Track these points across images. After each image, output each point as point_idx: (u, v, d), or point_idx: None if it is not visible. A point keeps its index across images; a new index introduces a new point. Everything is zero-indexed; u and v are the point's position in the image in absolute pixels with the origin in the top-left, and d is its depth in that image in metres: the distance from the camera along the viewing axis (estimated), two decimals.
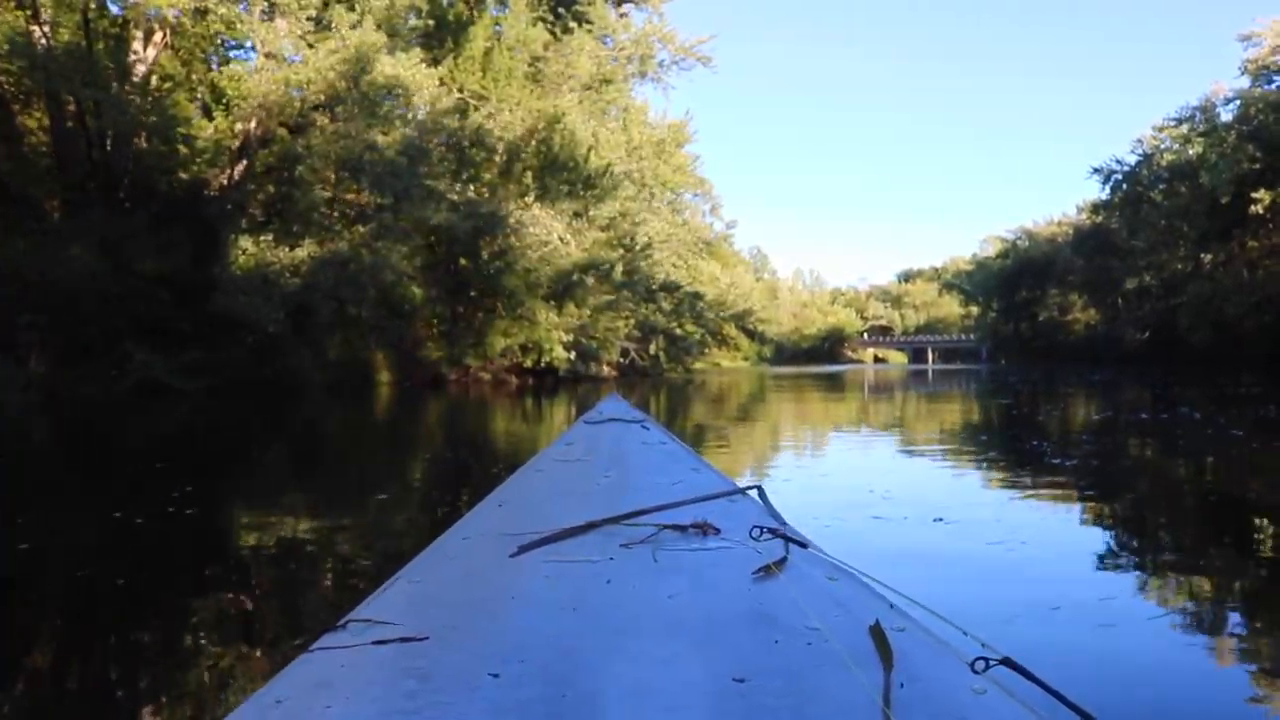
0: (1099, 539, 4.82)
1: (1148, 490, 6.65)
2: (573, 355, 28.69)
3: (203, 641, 3.12)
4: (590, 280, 29.73)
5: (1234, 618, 3.30)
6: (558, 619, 1.41)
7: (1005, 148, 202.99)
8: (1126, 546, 4.58)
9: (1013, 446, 9.86)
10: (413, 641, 1.29)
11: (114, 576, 4.04)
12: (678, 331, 38.86)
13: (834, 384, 32.12)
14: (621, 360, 37.36)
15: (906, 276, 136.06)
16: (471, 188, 28.07)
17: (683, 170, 42.32)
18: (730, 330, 79.25)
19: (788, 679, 1.16)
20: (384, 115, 23.21)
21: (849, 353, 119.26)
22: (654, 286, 36.86)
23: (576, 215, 29.75)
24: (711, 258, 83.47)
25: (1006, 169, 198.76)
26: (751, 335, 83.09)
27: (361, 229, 22.21)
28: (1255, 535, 4.95)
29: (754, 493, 2.42)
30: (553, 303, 28.82)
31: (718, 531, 1.90)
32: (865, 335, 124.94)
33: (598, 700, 1.10)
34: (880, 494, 5.71)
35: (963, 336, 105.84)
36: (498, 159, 30.34)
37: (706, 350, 78.36)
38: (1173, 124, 48.59)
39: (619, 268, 30.37)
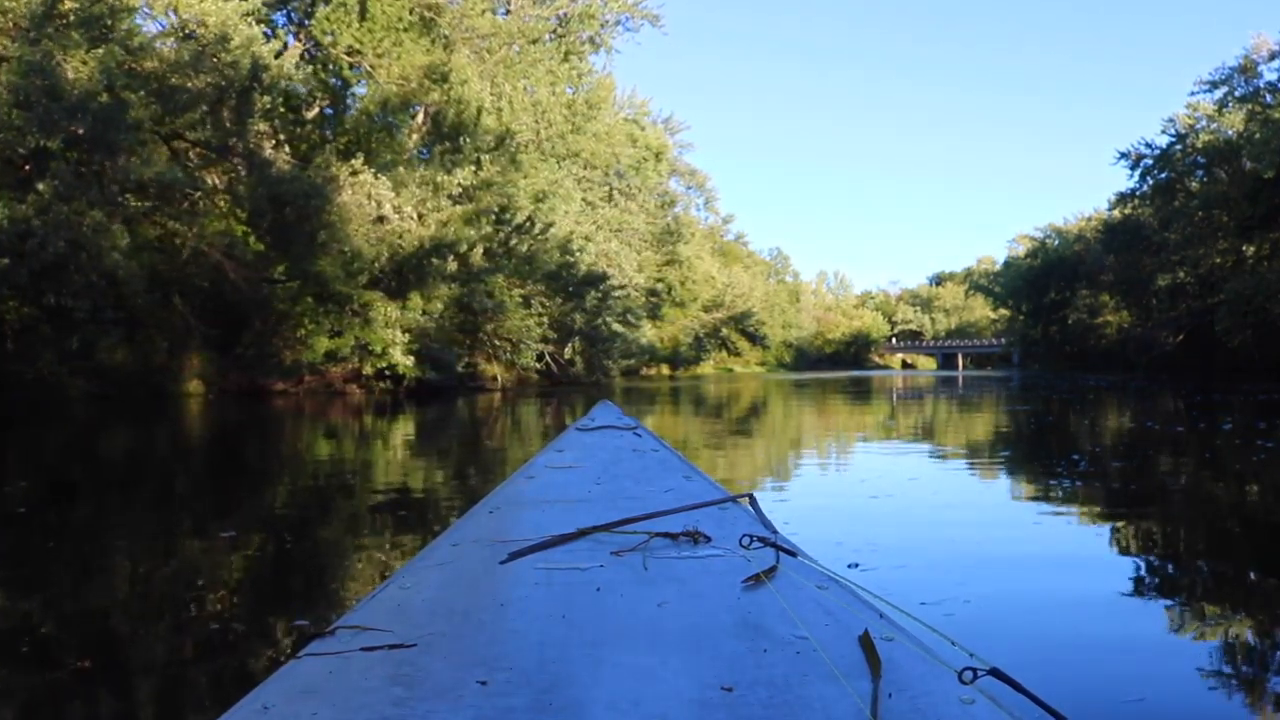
0: (1116, 560, 4.22)
1: (1165, 510, 5.68)
2: (412, 359, 21.86)
3: None
4: (453, 264, 22.95)
5: (1240, 640, 3.00)
6: (547, 627, 1.35)
7: (1046, 144, 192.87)
8: (1145, 568, 4.06)
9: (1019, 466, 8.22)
10: (401, 648, 1.24)
11: None
12: (604, 332, 31.94)
13: (845, 395, 25.55)
14: (537, 365, 30.74)
15: (938, 279, 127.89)
16: (281, 149, 21.46)
17: (603, 139, 35.20)
18: (731, 334, 72.17)
19: (776, 688, 1.12)
20: (98, 37, 16.72)
21: (876, 358, 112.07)
22: (575, 278, 30.00)
23: (423, 185, 22.88)
24: (719, 256, 77.00)
25: (1048, 166, 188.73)
26: (753, 339, 75.46)
27: (41, 186, 15.69)
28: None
29: (745, 501, 2.27)
30: (390, 294, 22.00)
31: (709, 539, 1.83)
32: (894, 340, 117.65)
33: (585, 708, 1.06)
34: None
35: (994, 341, 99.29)
36: (353, 120, 23.98)
37: (707, 354, 72.01)
38: (1206, 90, 40.48)
39: (479, 249, 23.47)
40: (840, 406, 19.53)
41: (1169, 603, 3.41)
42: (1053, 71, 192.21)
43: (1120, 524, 5.08)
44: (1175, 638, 2.95)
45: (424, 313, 22.38)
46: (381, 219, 21.81)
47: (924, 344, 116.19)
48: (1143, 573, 3.91)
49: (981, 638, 2.67)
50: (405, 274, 21.92)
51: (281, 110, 21.16)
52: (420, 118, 28.77)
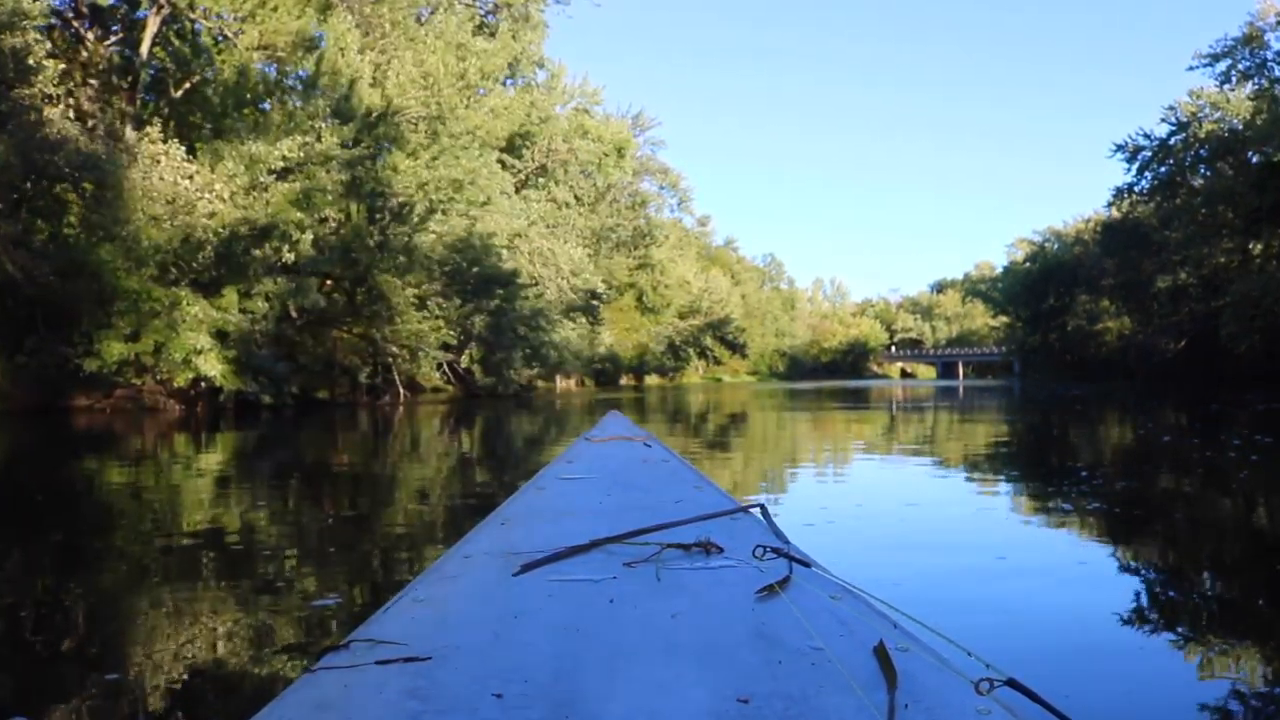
0: (1124, 579, 4.03)
1: (1173, 532, 5.30)
2: (221, 370, 17.76)
3: None
4: (288, 255, 18.87)
5: (1247, 656, 2.91)
6: (560, 639, 1.34)
7: (1049, 146, 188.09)
8: (1151, 590, 3.88)
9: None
10: (415, 661, 1.23)
11: None
12: (510, 338, 27.79)
13: (839, 407, 22.10)
14: (440, 373, 26.73)
15: (939, 287, 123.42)
16: (57, 106, 17.52)
17: (501, 114, 30.96)
18: (712, 342, 68.01)
19: (791, 700, 1.11)
20: None
21: (874, 367, 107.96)
22: (475, 275, 25.97)
23: (237, 159, 18.64)
24: (704, 261, 73.00)
25: (1051, 169, 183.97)
26: (732, 347, 71.23)
27: None
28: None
29: (757, 511, 2.18)
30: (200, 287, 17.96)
31: (721, 550, 1.75)
32: (893, 348, 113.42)
33: None
34: None
35: (994, 349, 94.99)
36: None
37: (684, 362, 68.01)
38: (1207, 64, 36.04)
39: (307, 236, 19.38)
40: (835, 423, 16.55)
41: (1187, 624, 3.25)
42: (1053, 76, 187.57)
43: (1131, 551, 4.58)
44: (1193, 656, 2.86)
45: (242, 310, 18.30)
46: (185, 200, 17.77)
47: (924, 352, 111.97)
48: (1159, 595, 3.73)
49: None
50: (216, 265, 17.94)
51: (49, 67, 17.13)
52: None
